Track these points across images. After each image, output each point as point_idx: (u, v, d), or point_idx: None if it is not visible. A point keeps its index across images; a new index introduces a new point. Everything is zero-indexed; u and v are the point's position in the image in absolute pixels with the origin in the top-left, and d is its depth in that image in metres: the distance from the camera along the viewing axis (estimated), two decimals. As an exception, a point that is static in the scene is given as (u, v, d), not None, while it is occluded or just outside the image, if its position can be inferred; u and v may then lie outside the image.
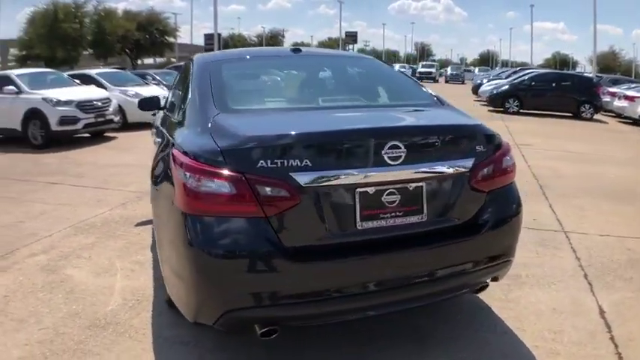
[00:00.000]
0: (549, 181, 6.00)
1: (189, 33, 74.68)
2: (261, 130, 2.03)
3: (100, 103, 9.02)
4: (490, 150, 2.26)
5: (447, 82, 38.56)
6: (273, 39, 68.25)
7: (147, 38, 38.86)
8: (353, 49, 76.83)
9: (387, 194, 2.00)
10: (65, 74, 10.79)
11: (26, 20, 32.00)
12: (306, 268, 1.90)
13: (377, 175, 1.97)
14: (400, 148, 1.98)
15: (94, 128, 9.00)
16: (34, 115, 8.27)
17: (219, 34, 46.94)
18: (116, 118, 9.40)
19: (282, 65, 3.15)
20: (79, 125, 8.55)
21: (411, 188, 2.05)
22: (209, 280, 1.88)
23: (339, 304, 1.99)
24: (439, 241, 2.12)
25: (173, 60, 42.33)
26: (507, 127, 10.89)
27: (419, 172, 2.04)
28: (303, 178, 1.87)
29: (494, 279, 2.46)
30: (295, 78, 3.04)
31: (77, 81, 10.10)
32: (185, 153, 1.99)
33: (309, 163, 1.88)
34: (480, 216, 2.23)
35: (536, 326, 2.65)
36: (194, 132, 2.20)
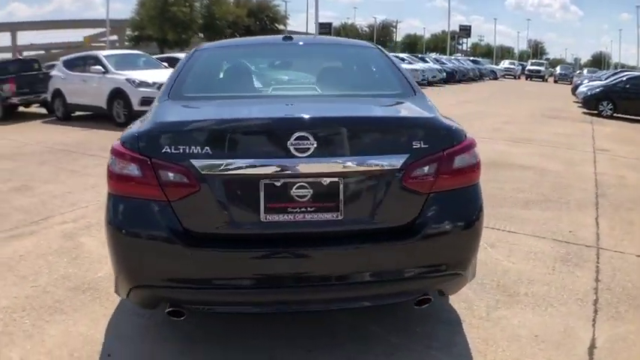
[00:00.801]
0: (609, 191, 5.29)
1: (305, 21, 77.01)
2: (174, 117, 2.10)
3: (181, 86, 9.70)
4: (435, 147, 2.02)
5: (555, 81, 36.44)
6: (385, 29, 67.99)
7: (257, 24, 40.62)
8: (467, 43, 74.77)
9: (297, 188, 1.92)
10: (153, 57, 11.81)
11: (138, 1, 34.76)
12: (206, 256, 1.93)
13: (282, 168, 1.90)
14: (309, 139, 1.89)
15: (175, 109, 9.73)
16: (118, 95, 9.18)
17: (330, 24, 48.18)
18: (199, 101, 10.02)
19: (263, 54, 3.16)
20: (160, 106, 9.29)
21: (325, 183, 1.94)
22: (119, 257, 2.02)
23: (241, 295, 2.00)
24: (358, 243, 1.99)
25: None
26: (593, 131, 9.81)
27: (333, 167, 1.93)
28: (202, 166, 1.89)
29: (441, 293, 2.28)
30: (266, 67, 3.04)
31: (165, 64, 10.98)
32: (119, 138, 2.12)
33: (209, 150, 1.90)
34: (417, 220, 2.02)
35: (503, 354, 2.37)
36: (142, 118, 2.33)
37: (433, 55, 38.06)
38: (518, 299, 2.90)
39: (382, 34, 66.20)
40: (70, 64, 10.56)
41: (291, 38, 3.11)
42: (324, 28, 46.37)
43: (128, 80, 9.18)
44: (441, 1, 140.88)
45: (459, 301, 2.86)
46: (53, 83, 10.56)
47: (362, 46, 3.35)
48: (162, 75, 9.76)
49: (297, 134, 1.89)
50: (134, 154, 1.96)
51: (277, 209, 1.94)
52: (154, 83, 9.19)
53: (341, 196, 1.96)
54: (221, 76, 2.85)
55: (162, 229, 1.94)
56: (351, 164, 1.95)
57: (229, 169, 1.90)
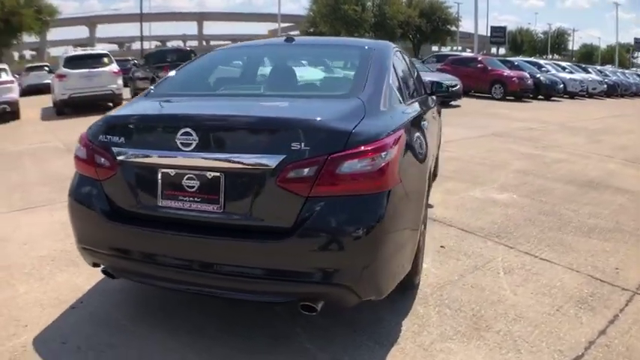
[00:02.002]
0: None
1: (486, 23, 75.38)
2: (116, 112, 2.51)
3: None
4: (318, 150, 1.99)
5: None
6: (560, 37, 65.14)
7: (428, 25, 40.07)
8: (638, 56, 65.43)
9: (187, 179, 2.14)
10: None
11: None
12: (120, 229, 2.27)
13: (171, 160, 2.14)
14: (191, 135, 2.09)
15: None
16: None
17: (504, 27, 45.36)
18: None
19: (255, 55, 3.39)
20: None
21: (209, 177, 2.11)
22: (71, 221, 2.50)
23: (144, 268, 2.29)
24: (235, 236, 2.10)
25: (456, 49, 42.66)
26: None
27: (210, 162, 2.08)
28: (118, 153, 2.25)
29: (335, 304, 2.20)
30: (244, 68, 3.24)
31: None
32: None
33: (123, 141, 2.25)
34: (295, 222, 2.01)
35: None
36: None
37: (598, 66, 34.00)
38: (483, 335, 2.52)
39: (557, 42, 64.14)
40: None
41: (292, 40, 3.25)
42: (498, 32, 43.70)
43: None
44: (621, 13, 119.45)
45: (415, 322, 2.64)
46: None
47: (357, 47, 3.23)
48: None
49: (182, 130, 2.11)
50: (86, 141, 2.43)
51: (171, 196, 2.19)
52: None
53: (222, 190, 2.10)
54: (198, 76, 3.14)
55: (93, 202, 2.36)
56: (226, 161, 2.07)
57: (135, 158, 2.23)
